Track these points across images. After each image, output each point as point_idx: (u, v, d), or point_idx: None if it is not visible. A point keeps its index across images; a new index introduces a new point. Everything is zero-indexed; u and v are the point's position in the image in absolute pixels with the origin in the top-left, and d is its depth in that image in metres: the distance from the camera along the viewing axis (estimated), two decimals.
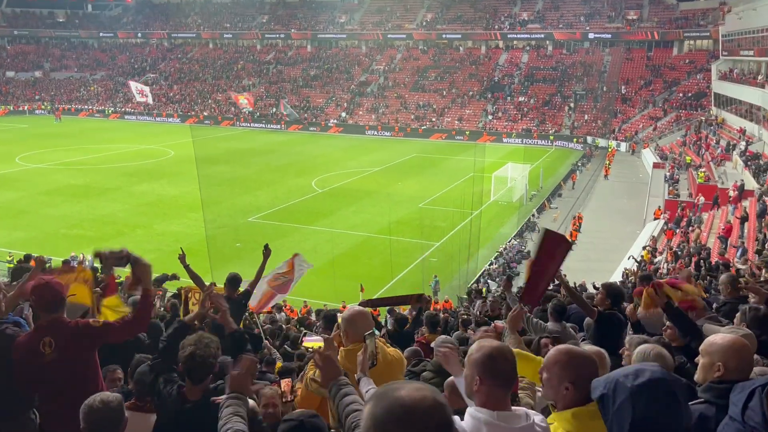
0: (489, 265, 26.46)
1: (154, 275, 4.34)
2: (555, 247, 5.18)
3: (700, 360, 2.98)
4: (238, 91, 72.97)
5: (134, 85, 69.20)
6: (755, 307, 5.00)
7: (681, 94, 59.37)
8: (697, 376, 3.03)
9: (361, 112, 70.56)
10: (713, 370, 2.88)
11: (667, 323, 4.91)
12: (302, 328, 11.79)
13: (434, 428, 1.63)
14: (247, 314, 12.25)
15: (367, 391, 3.15)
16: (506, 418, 2.49)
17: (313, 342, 3.96)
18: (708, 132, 46.12)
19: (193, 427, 3.44)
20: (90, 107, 79.92)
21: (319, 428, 2.80)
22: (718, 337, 2.96)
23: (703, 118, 50.60)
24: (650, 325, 6.11)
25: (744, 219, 23.22)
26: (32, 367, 3.66)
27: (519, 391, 3.63)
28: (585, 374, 2.63)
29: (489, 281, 24.14)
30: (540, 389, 3.93)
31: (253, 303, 8.62)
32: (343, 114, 70.47)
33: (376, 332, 4.12)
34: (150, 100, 69.96)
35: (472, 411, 2.62)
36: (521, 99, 67.12)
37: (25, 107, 79.34)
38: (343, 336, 4.04)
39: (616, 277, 19.86)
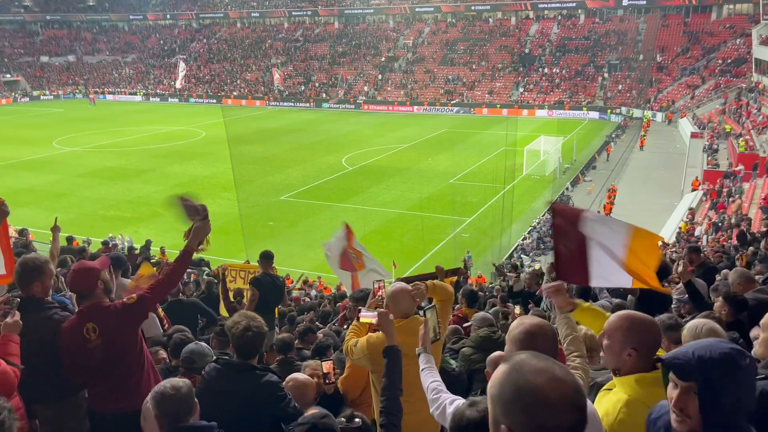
0: (522, 240, 26.23)
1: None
2: (567, 215, 4.99)
3: (761, 334, 2.85)
4: (278, 67, 73.99)
5: (181, 66, 71.49)
6: None
7: (720, 61, 57.40)
8: (756, 351, 2.90)
9: (389, 88, 70.04)
10: None
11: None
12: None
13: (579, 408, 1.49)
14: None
15: (422, 370, 3.06)
16: None
17: (368, 318, 3.90)
18: (749, 99, 44.64)
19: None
20: (122, 90, 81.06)
21: (332, 428, 2.95)
22: None
23: (743, 85, 48.94)
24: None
25: None
26: (79, 353, 3.68)
27: None
28: (648, 340, 2.54)
29: (522, 256, 23.95)
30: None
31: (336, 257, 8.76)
32: (368, 88, 70.00)
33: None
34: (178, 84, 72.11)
35: None
36: (553, 70, 65.77)
37: (60, 92, 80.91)
38: None
39: None
